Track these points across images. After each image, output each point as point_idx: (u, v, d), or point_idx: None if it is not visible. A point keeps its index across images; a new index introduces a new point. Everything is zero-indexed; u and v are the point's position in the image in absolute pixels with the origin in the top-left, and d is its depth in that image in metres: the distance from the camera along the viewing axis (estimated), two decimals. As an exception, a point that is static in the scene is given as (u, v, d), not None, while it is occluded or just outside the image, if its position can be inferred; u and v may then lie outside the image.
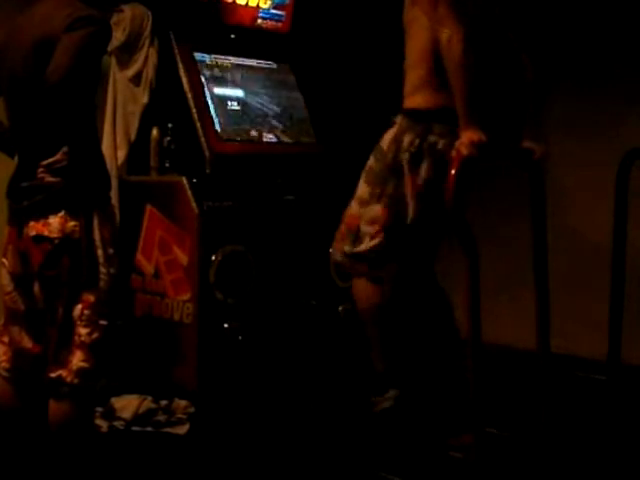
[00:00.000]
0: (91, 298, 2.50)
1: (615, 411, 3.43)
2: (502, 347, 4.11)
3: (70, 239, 2.47)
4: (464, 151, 2.77)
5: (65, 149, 2.45)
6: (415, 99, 3.05)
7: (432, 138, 3.01)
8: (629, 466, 3.08)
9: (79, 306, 2.50)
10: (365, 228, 3.08)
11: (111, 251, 2.54)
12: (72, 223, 2.47)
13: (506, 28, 3.19)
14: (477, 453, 2.77)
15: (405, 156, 3.02)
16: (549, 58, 3.21)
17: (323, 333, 4.11)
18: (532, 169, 3.05)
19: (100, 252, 2.51)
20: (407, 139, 3.03)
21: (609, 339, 3.42)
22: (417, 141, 3.01)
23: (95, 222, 2.50)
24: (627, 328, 3.44)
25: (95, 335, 2.51)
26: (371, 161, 3.13)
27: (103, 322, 2.53)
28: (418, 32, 3.01)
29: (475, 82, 2.87)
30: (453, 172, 2.72)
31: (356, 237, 3.11)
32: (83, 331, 2.50)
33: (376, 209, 3.06)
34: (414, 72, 3.05)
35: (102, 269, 2.52)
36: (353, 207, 3.14)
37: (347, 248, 3.15)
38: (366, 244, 3.09)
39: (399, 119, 3.08)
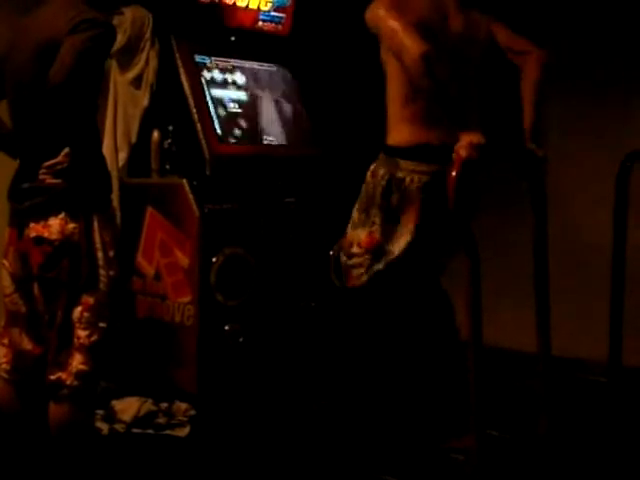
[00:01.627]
0: (91, 300, 2.50)
1: (616, 413, 3.43)
2: (503, 349, 4.11)
3: (70, 241, 2.47)
4: (463, 153, 2.79)
5: (67, 151, 2.45)
6: (390, 135, 3.18)
7: (400, 174, 3.12)
8: (630, 468, 3.08)
9: (79, 308, 2.50)
10: (354, 249, 3.23)
11: (111, 254, 2.54)
12: (72, 225, 2.47)
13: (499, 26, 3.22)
14: (478, 455, 2.77)
15: (378, 189, 3.15)
16: (550, 58, 3.21)
17: (323, 335, 4.11)
18: (533, 172, 3.05)
19: (100, 254, 2.51)
20: (380, 172, 3.17)
21: (610, 341, 3.42)
22: (387, 176, 3.14)
23: (95, 224, 2.50)
24: (628, 330, 3.44)
25: (94, 337, 2.51)
26: (362, 188, 3.26)
27: (103, 324, 2.53)
28: (390, 69, 3.12)
29: (450, 94, 2.91)
30: (454, 174, 2.74)
31: (349, 253, 3.26)
32: (82, 333, 2.49)
33: (362, 233, 3.20)
34: (393, 108, 3.16)
35: (102, 271, 2.52)
36: (348, 228, 3.31)
37: (343, 259, 3.32)
38: (354, 261, 3.23)
39: (380, 153, 3.22)
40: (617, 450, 3.21)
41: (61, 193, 2.48)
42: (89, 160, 2.56)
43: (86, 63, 2.42)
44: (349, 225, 3.29)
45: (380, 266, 3.16)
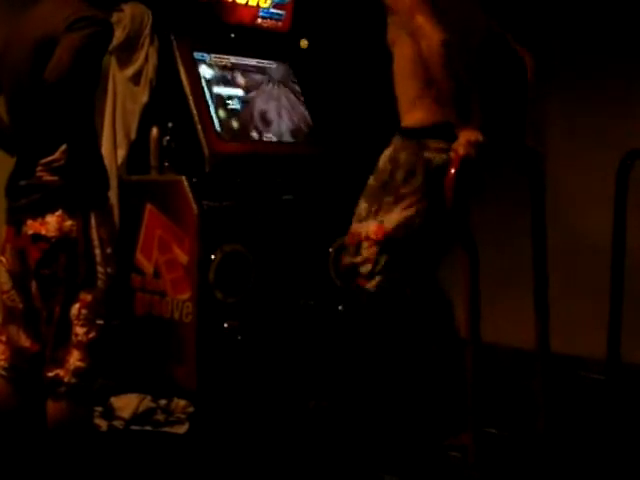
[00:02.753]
0: (88, 297, 2.50)
1: (615, 410, 3.43)
2: (501, 347, 4.11)
3: (67, 238, 2.47)
4: (461, 151, 2.79)
5: (63, 148, 2.45)
6: (409, 117, 3.09)
7: (427, 155, 3.03)
8: (629, 465, 3.08)
9: (76, 305, 2.50)
10: (363, 243, 3.13)
11: (109, 251, 2.54)
12: (69, 222, 2.47)
13: (503, 29, 3.20)
14: (476, 453, 2.78)
15: (401, 173, 3.06)
16: (549, 58, 3.21)
17: (322, 333, 4.11)
18: (532, 170, 3.05)
19: (98, 251, 2.51)
20: (403, 157, 3.06)
21: (608, 338, 3.42)
22: (412, 158, 3.04)
23: (93, 221, 2.50)
24: (626, 327, 3.44)
25: (92, 335, 2.51)
26: (370, 180, 3.18)
27: (100, 322, 2.53)
28: (402, 50, 3.05)
29: (463, 84, 2.88)
30: (452, 171, 2.74)
31: (356, 251, 3.16)
32: (80, 330, 2.49)
33: (372, 225, 3.10)
34: (405, 90, 3.09)
35: (99, 268, 2.52)
36: (353, 224, 3.20)
37: (348, 259, 3.21)
38: (360, 257, 3.14)
39: (395, 138, 3.12)
40: (616, 448, 3.20)
41: (58, 190, 2.47)
42: (86, 157, 2.56)
43: (83, 61, 2.42)
44: (353, 220, 3.20)
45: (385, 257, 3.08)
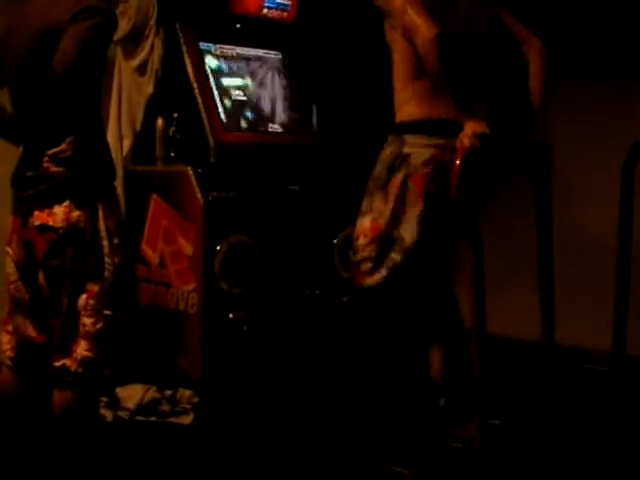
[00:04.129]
0: (96, 288, 2.51)
1: (619, 403, 3.43)
2: (506, 338, 4.11)
3: (75, 229, 2.47)
4: (466, 142, 2.79)
5: (70, 139, 2.45)
6: (398, 114, 3.14)
7: (405, 150, 3.07)
8: (633, 458, 3.08)
9: (84, 296, 2.50)
10: (360, 240, 3.16)
11: (116, 241, 2.54)
12: (77, 213, 2.47)
13: (509, 16, 3.20)
14: (480, 444, 2.78)
15: (384, 168, 3.10)
16: (555, 47, 3.20)
17: (327, 323, 4.11)
18: (538, 163, 3.04)
19: (105, 242, 2.51)
20: (386, 152, 3.12)
21: (613, 331, 3.41)
22: (392, 154, 3.09)
23: (100, 212, 2.51)
24: (632, 320, 3.43)
25: (99, 325, 2.51)
26: (370, 176, 3.20)
27: (107, 312, 2.53)
28: (397, 50, 3.09)
29: (464, 77, 2.89)
30: (457, 163, 2.73)
31: (355, 248, 3.19)
32: (87, 321, 2.50)
33: (366, 222, 3.14)
34: (401, 87, 3.12)
35: (107, 259, 2.52)
36: (357, 219, 3.22)
37: (350, 257, 3.24)
38: (360, 255, 3.15)
39: (389, 135, 3.16)
40: (620, 440, 3.20)
41: (65, 181, 2.48)
42: (93, 148, 2.56)
43: (89, 52, 2.41)
44: (357, 216, 3.22)
45: (397, 258, 3.10)
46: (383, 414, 3.39)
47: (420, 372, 3.31)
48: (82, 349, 2.50)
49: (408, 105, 3.09)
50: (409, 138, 3.06)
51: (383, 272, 3.11)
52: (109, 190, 2.61)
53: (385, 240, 3.10)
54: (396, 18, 3.03)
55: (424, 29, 2.87)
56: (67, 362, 2.51)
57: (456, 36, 3.03)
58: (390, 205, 3.07)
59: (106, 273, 2.53)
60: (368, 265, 3.14)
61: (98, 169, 2.57)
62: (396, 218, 3.08)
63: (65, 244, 2.48)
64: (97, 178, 2.55)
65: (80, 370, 2.51)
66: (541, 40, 3.17)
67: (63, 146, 2.45)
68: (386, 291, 3.14)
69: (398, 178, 3.06)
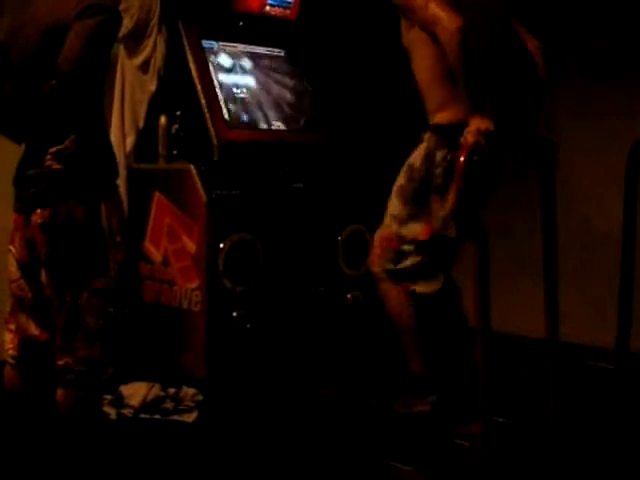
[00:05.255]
0: (98, 286, 2.51)
1: (623, 400, 3.42)
2: (511, 335, 4.11)
3: (77, 227, 2.47)
4: (470, 139, 2.78)
5: (73, 137, 2.45)
6: (443, 115, 3.10)
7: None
8: (637, 454, 3.07)
9: (86, 294, 2.50)
10: (407, 247, 3.14)
11: (118, 239, 2.54)
12: (79, 211, 2.47)
13: (513, 17, 3.19)
14: (485, 442, 2.77)
15: (438, 171, 3.07)
16: (559, 44, 3.19)
17: (331, 320, 4.11)
18: (543, 160, 3.03)
19: (107, 240, 2.51)
20: (439, 155, 3.08)
21: (618, 328, 3.41)
22: (449, 156, 3.05)
23: (103, 210, 2.51)
24: (636, 317, 3.43)
25: (102, 323, 2.51)
26: (402, 180, 3.18)
27: (110, 310, 2.53)
28: (423, 49, 3.06)
29: (478, 71, 2.88)
30: (462, 159, 2.72)
31: (398, 255, 3.16)
32: (90, 319, 2.50)
33: (417, 227, 3.12)
34: (435, 90, 3.10)
35: (110, 257, 2.52)
36: (391, 227, 3.19)
37: (389, 266, 3.20)
38: (411, 260, 3.15)
39: (427, 136, 3.13)
40: (624, 436, 3.20)
41: (68, 179, 2.48)
42: (95, 146, 2.56)
43: (94, 50, 2.41)
44: (388, 222, 3.18)
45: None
46: (388, 411, 3.39)
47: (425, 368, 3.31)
48: (85, 348, 2.50)
49: (447, 107, 3.07)
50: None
51: (440, 277, 3.09)
52: (111, 188, 2.60)
53: (434, 243, 3.10)
54: (417, 13, 2.99)
55: (447, 20, 2.85)
56: (70, 360, 2.51)
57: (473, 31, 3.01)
58: (448, 205, 3.04)
59: (109, 271, 2.53)
60: (417, 271, 3.12)
61: (101, 167, 2.57)
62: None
63: (68, 242, 2.48)
64: (100, 176, 2.55)
65: (83, 369, 2.51)
66: (539, 41, 3.16)
67: (66, 144, 2.45)
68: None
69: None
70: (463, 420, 3.12)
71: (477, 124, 2.81)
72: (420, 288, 3.18)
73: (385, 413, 3.41)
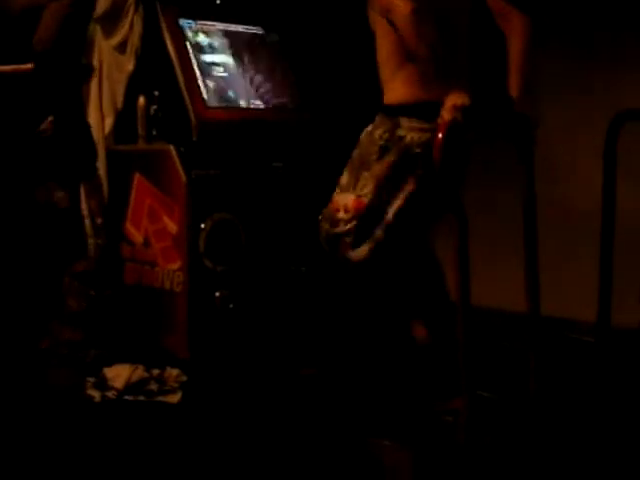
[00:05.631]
0: (79, 268, 2.51)
1: (604, 373, 3.45)
2: (492, 310, 4.13)
3: (57, 209, 2.47)
4: (447, 116, 2.79)
5: (51, 118, 2.44)
6: (388, 95, 3.14)
7: (400, 132, 3.08)
8: (617, 427, 3.10)
9: (67, 278, 2.50)
10: (340, 214, 3.18)
11: (99, 221, 2.54)
12: (59, 194, 2.46)
13: None
14: (468, 416, 2.79)
15: (374, 149, 3.11)
16: (536, 25, 3.19)
17: (314, 300, 4.11)
18: (520, 136, 3.04)
19: (88, 222, 2.51)
20: (378, 133, 3.12)
21: (598, 302, 3.43)
22: (386, 135, 3.09)
23: (82, 193, 2.50)
24: (616, 291, 3.45)
25: (83, 306, 2.52)
26: (354, 152, 3.22)
27: (92, 292, 2.53)
28: (380, 31, 3.09)
29: (444, 51, 2.92)
30: (439, 136, 2.73)
31: (334, 220, 3.20)
32: (72, 302, 2.50)
33: (349, 197, 3.15)
34: (386, 69, 3.13)
35: (90, 240, 2.52)
36: (336, 192, 3.24)
37: (326, 227, 3.26)
38: (340, 228, 3.18)
39: (377, 114, 3.17)
40: (605, 410, 3.23)
41: (47, 162, 2.46)
42: (74, 128, 2.54)
43: (68, 30, 2.40)
44: (336, 190, 3.26)
45: (379, 233, 3.13)
46: (370, 387, 3.40)
47: (406, 345, 3.32)
48: (67, 331, 2.51)
49: (397, 87, 3.10)
50: (404, 121, 3.07)
51: (367, 247, 3.13)
52: (91, 170, 2.60)
53: (367, 218, 3.12)
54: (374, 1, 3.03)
55: (400, 5, 2.89)
56: (53, 343, 2.51)
57: (442, 13, 3.03)
58: (379, 184, 3.09)
59: (90, 253, 2.53)
60: (349, 239, 3.16)
61: (79, 150, 2.56)
62: (386, 199, 3.10)
63: (48, 225, 2.47)
64: (78, 159, 2.54)
65: (66, 351, 2.51)
66: (525, 15, 3.16)
67: (43, 126, 2.43)
68: (372, 265, 3.16)
69: (390, 159, 3.08)
70: (446, 395, 3.14)
71: (453, 100, 2.82)
72: (346, 253, 3.22)
73: (368, 390, 3.43)
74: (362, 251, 3.15)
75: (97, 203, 2.55)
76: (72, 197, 2.49)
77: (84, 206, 2.50)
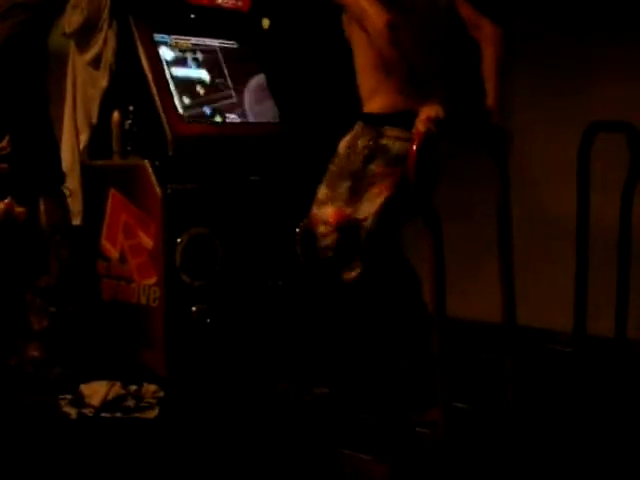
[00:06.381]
0: (41, 284, 2.49)
1: (582, 382, 3.46)
2: (468, 321, 4.13)
3: (17, 225, 2.45)
4: (421, 128, 2.80)
5: (8, 137, 2.42)
6: (370, 104, 3.13)
7: (384, 141, 3.08)
8: (596, 435, 3.10)
9: (30, 293, 2.48)
10: (321, 229, 3.17)
11: (60, 237, 2.52)
12: (18, 209, 2.45)
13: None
14: (444, 428, 2.78)
15: (358, 158, 3.10)
16: (510, 33, 3.21)
17: (291, 314, 4.10)
18: (495, 147, 3.05)
19: (48, 238, 2.49)
20: (361, 143, 3.11)
21: (575, 311, 3.44)
22: (370, 144, 3.09)
23: (42, 208, 2.48)
24: (592, 300, 3.46)
25: (45, 323, 2.50)
26: (330, 165, 3.21)
27: (53, 309, 2.51)
28: (357, 42, 3.10)
29: (420, 63, 2.93)
30: (414, 148, 2.74)
31: (314, 235, 3.19)
32: (33, 319, 2.48)
33: (329, 210, 3.15)
34: (365, 78, 3.13)
35: (52, 255, 2.50)
36: (312, 208, 3.23)
37: (306, 244, 3.27)
38: (320, 243, 3.17)
39: (356, 124, 3.16)
40: (583, 419, 3.23)
41: (6, 177, 2.45)
42: (35, 144, 2.53)
43: (20, 47, 2.39)
44: (313, 206, 3.23)
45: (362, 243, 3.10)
46: (345, 400, 3.39)
47: (382, 356, 3.31)
48: (31, 349, 2.49)
49: (379, 96, 3.09)
50: (389, 130, 3.07)
51: (359, 267, 3.11)
52: (52, 186, 2.58)
53: (348, 229, 3.11)
54: (349, 9, 3.05)
55: (375, 17, 2.90)
56: (19, 361, 2.49)
57: (417, 25, 3.04)
58: (362, 194, 3.09)
59: (51, 270, 2.51)
60: (329, 253, 3.15)
61: (40, 165, 2.54)
62: (358, 206, 3.09)
63: (7, 240, 2.45)
64: (39, 174, 2.52)
65: (30, 370, 2.49)
66: (497, 26, 3.18)
67: (2, 143, 2.42)
68: (364, 282, 3.16)
69: (374, 169, 3.08)
70: (422, 407, 3.13)
71: (427, 112, 2.83)
72: (342, 275, 3.20)
73: (343, 404, 3.42)
74: (354, 273, 3.14)
75: (59, 219, 2.53)
76: (31, 213, 2.47)
77: (44, 222, 2.48)
